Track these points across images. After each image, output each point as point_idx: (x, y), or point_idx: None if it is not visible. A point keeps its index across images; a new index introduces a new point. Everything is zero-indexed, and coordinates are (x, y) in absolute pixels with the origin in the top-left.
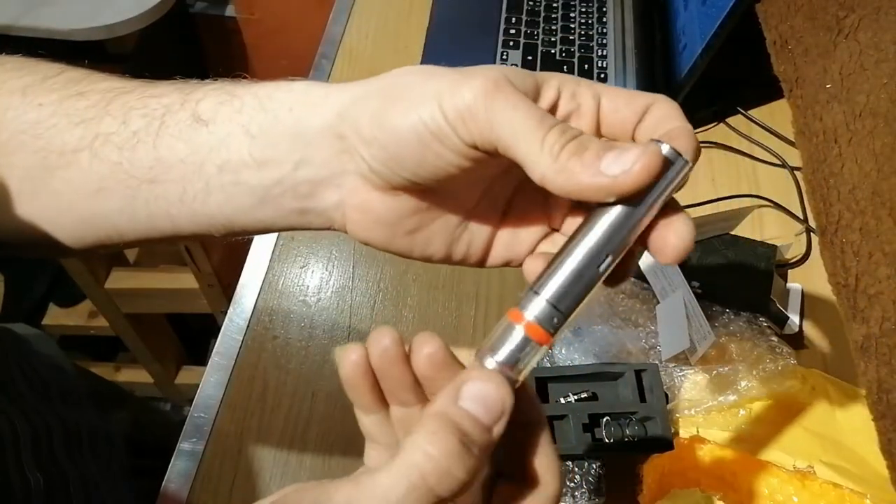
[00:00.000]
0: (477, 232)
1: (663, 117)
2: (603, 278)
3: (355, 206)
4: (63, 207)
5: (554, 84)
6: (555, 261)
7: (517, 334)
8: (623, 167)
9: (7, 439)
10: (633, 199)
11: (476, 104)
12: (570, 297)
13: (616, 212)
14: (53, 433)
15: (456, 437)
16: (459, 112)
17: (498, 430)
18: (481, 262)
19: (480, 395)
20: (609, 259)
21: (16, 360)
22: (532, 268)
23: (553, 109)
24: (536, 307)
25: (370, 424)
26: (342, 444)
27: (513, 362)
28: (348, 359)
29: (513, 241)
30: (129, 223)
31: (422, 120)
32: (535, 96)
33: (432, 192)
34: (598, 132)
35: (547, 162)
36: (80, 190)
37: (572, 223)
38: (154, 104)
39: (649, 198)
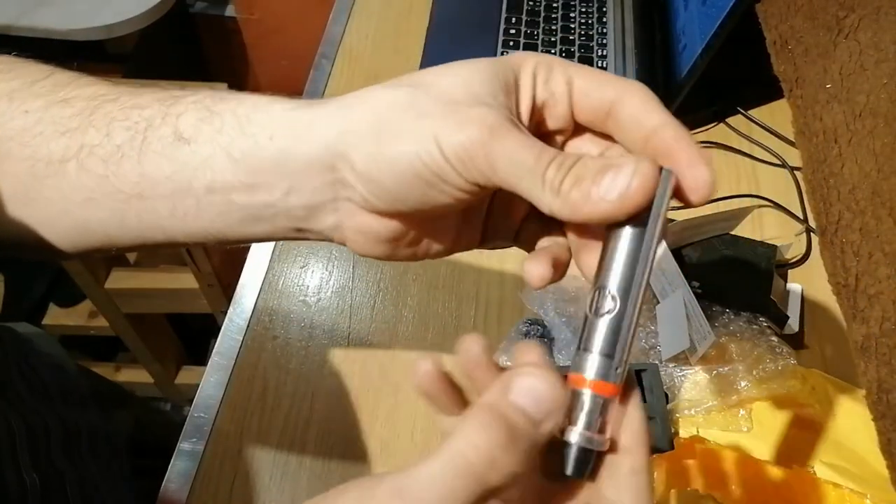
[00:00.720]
0: (472, 222)
1: (641, 112)
2: (639, 312)
3: (353, 227)
4: (56, 214)
5: (529, 71)
6: (591, 313)
7: (587, 398)
8: (620, 189)
9: (3, 440)
10: (639, 218)
11: (475, 149)
12: (619, 342)
13: (627, 242)
14: (51, 433)
15: (504, 428)
16: (459, 156)
17: (547, 426)
18: (479, 245)
19: (531, 389)
20: (639, 294)
21: (15, 360)
22: (534, 271)
23: (532, 100)
24: (593, 365)
25: (451, 425)
26: (342, 445)
27: (595, 425)
28: (425, 370)
29: (502, 220)
30: (121, 232)
31: (423, 162)
32: (515, 92)
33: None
34: (572, 119)
35: (550, 198)
36: (70, 199)
37: None
38: (136, 116)
39: (654, 213)
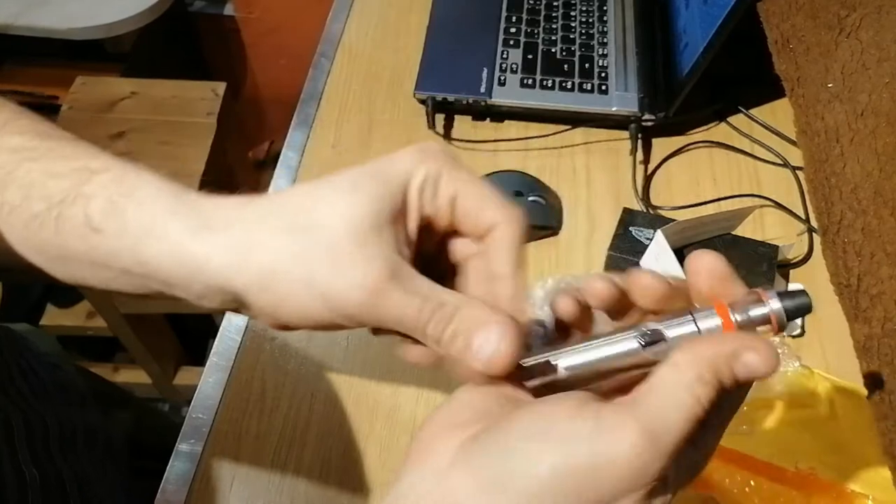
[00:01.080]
0: None
1: (503, 251)
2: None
3: (265, 323)
4: (34, 248)
5: (416, 187)
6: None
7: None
8: (489, 353)
9: (1, 434)
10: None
11: (360, 312)
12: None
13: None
14: (50, 430)
15: (716, 392)
16: (345, 315)
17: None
18: None
19: (756, 368)
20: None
21: (13, 358)
22: (412, 352)
23: (419, 216)
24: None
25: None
26: (341, 446)
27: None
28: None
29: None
30: (58, 276)
31: (313, 318)
32: (405, 215)
33: None
34: (453, 225)
35: (434, 348)
36: (3, 238)
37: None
38: (53, 187)
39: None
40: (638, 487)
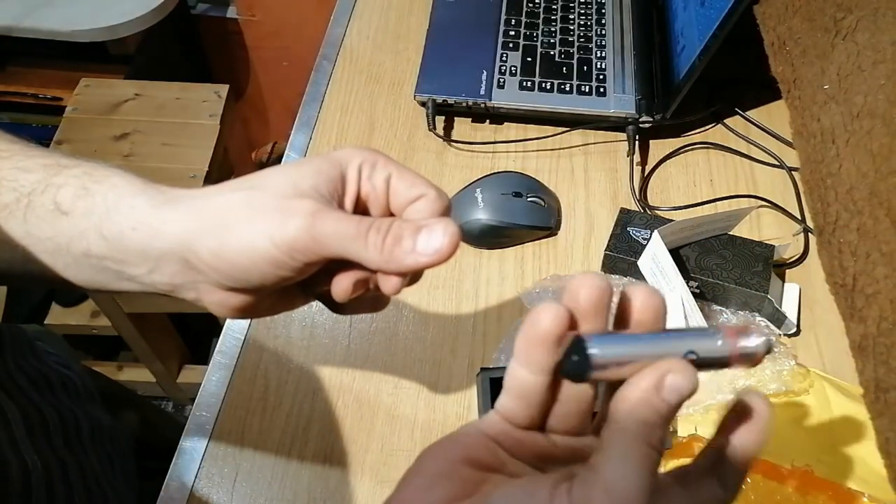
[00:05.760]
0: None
1: (426, 209)
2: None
3: (213, 302)
4: (33, 246)
5: (355, 167)
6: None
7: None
8: (435, 246)
9: None
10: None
11: (302, 237)
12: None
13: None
14: (49, 422)
15: (661, 429)
16: (290, 245)
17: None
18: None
19: (680, 386)
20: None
21: (14, 356)
22: (340, 285)
23: (357, 192)
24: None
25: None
26: (344, 443)
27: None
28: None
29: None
30: (16, 270)
31: (259, 254)
32: (342, 188)
33: None
34: (388, 209)
35: (376, 257)
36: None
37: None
38: (23, 179)
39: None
40: None
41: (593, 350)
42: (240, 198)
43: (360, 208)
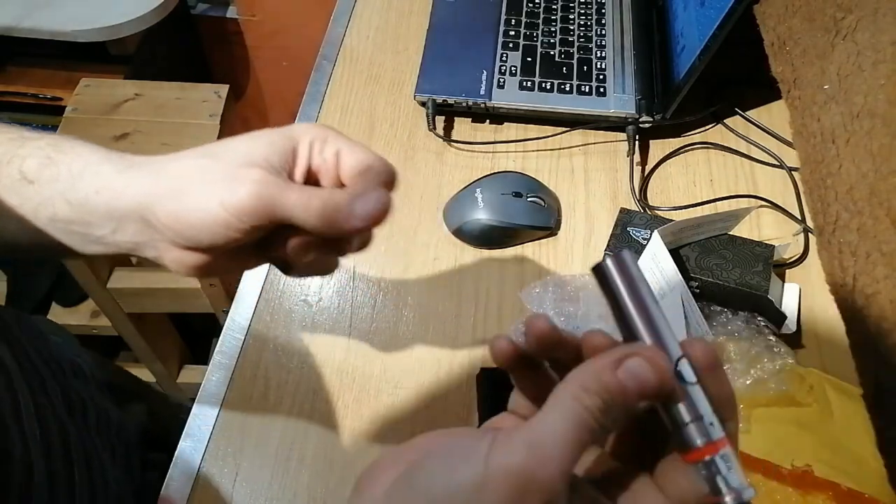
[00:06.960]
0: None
1: (372, 180)
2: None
3: (171, 259)
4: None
5: (306, 142)
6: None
7: (718, 464)
8: (370, 208)
9: (3, 394)
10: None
11: (250, 202)
12: (699, 402)
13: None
14: (52, 395)
15: (602, 399)
16: (238, 210)
17: (638, 406)
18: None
19: (639, 373)
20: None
21: (25, 335)
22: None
23: (308, 165)
24: (696, 433)
25: (522, 406)
26: (343, 442)
27: (726, 485)
28: (499, 347)
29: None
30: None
31: (211, 217)
32: (293, 161)
33: None
34: (338, 180)
35: (317, 222)
36: None
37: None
38: None
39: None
40: (528, 500)
41: (627, 262)
42: (197, 164)
43: (312, 180)
